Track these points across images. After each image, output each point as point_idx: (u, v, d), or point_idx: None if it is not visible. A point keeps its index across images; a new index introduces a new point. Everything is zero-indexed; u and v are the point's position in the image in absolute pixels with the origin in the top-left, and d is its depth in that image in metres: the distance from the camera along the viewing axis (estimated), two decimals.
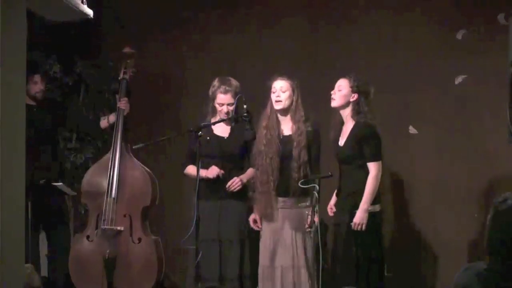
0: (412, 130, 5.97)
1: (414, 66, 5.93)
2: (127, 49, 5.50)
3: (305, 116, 5.00)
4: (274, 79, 5.03)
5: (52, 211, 5.48)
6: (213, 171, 5.07)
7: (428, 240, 5.92)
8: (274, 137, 5.00)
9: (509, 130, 5.57)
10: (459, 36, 5.86)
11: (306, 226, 4.82)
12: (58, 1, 3.11)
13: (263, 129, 5.02)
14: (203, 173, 5.00)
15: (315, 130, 5.01)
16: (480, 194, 5.77)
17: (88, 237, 5.23)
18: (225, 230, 5.09)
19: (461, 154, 5.85)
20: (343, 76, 4.94)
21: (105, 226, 5.16)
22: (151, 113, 6.37)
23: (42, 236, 5.59)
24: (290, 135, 5.01)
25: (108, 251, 5.12)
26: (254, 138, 4.98)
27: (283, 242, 4.97)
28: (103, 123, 5.59)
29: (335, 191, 5.06)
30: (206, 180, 5.02)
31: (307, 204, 4.94)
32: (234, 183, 5.08)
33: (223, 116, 5.12)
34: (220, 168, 5.10)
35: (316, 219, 4.73)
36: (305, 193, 4.86)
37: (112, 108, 5.57)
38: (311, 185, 4.75)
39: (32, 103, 5.42)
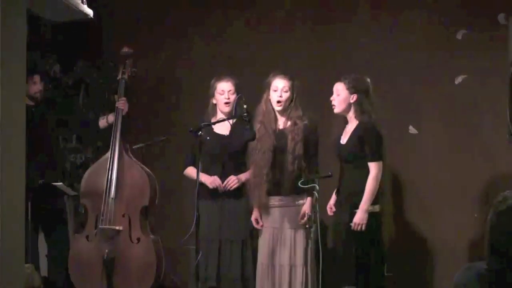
0: (412, 130, 5.97)
1: (414, 66, 5.93)
2: (125, 49, 5.50)
3: (303, 112, 5.01)
4: (274, 77, 5.03)
5: (52, 211, 5.48)
6: (214, 182, 5.07)
7: (428, 240, 5.91)
8: (269, 132, 5.00)
9: (509, 130, 5.58)
10: (459, 36, 5.86)
11: (302, 221, 4.84)
12: (58, 1, 3.11)
13: (257, 124, 5.02)
14: (203, 177, 5.01)
15: (312, 124, 5.01)
16: (480, 194, 5.76)
17: (87, 237, 5.23)
18: (225, 230, 5.09)
19: (461, 154, 5.84)
20: (339, 79, 4.92)
21: (104, 226, 5.16)
22: (151, 113, 6.36)
23: (42, 236, 5.59)
24: (284, 129, 5.02)
25: (107, 251, 5.12)
26: (254, 137, 4.98)
27: (282, 240, 4.98)
28: (102, 122, 5.59)
29: (335, 190, 5.06)
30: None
31: (304, 201, 4.95)
32: (231, 181, 5.08)
33: (224, 108, 5.13)
34: (222, 166, 5.11)
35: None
36: (301, 190, 4.85)
37: (112, 108, 5.57)
38: (311, 185, 4.75)
39: (32, 103, 5.41)
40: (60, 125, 5.72)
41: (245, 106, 4.85)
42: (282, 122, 5.06)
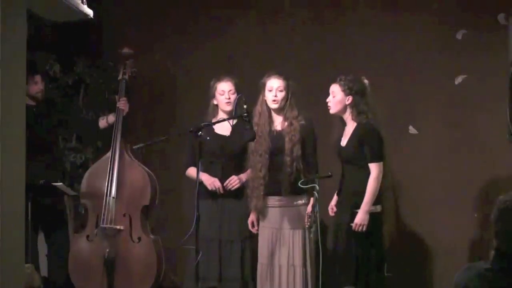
0: (412, 130, 5.97)
1: (414, 66, 5.93)
2: (125, 50, 5.50)
3: (299, 112, 5.01)
4: (269, 77, 5.03)
5: (52, 211, 5.48)
6: (213, 184, 5.07)
7: (428, 240, 5.91)
8: (265, 134, 5.00)
9: (509, 130, 5.59)
10: (459, 36, 5.86)
11: (307, 222, 4.84)
12: (58, 1, 3.11)
13: (254, 126, 5.02)
14: (204, 177, 5.02)
15: (309, 125, 5.01)
16: (480, 194, 5.76)
17: (87, 236, 5.24)
18: (225, 230, 5.09)
19: (461, 154, 5.85)
20: (334, 81, 4.92)
21: (105, 225, 5.16)
22: (151, 113, 6.37)
23: (42, 236, 5.59)
24: (282, 130, 5.02)
25: (107, 250, 5.13)
26: (254, 138, 4.97)
27: (281, 241, 4.98)
28: (102, 123, 5.59)
29: (337, 191, 5.06)
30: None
31: (303, 201, 4.95)
32: (232, 181, 5.08)
33: (225, 107, 5.13)
34: (222, 167, 5.11)
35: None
36: (300, 190, 4.85)
37: (112, 108, 5.57)
38: (310, 185, 4.75)
39: (32, 103, 5.41)
40: (60, 125, 5.72)
41: (245, 106, 4.85)
42: (279, 123, 5.05)
